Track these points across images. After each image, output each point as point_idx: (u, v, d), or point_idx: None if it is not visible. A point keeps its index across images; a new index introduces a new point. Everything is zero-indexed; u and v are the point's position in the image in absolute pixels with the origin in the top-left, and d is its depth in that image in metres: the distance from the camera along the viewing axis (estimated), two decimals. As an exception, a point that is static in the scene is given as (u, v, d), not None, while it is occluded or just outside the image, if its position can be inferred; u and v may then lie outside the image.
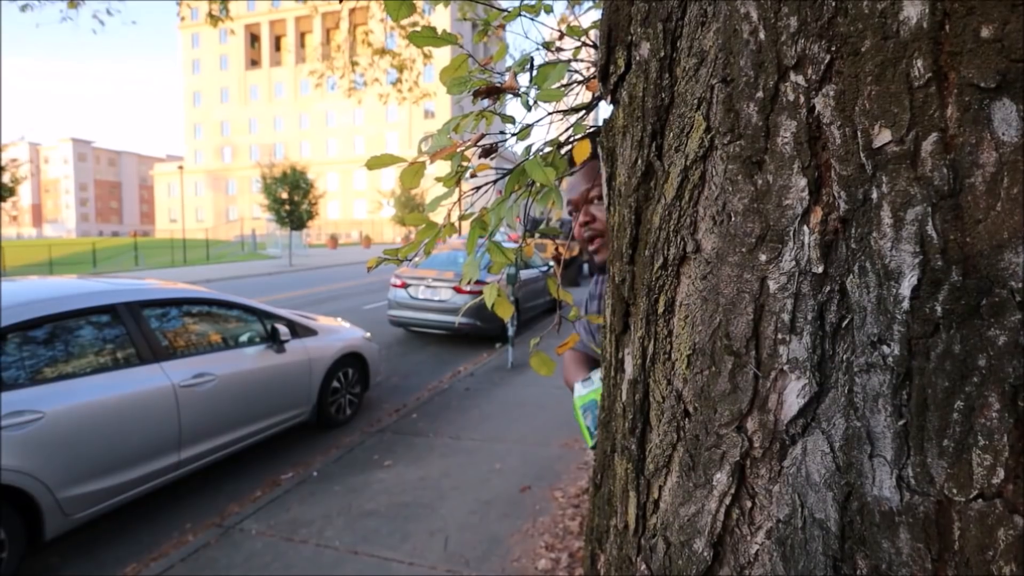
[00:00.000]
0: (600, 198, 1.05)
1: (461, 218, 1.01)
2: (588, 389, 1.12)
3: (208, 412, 3.68)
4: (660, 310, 0.57)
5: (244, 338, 4.22)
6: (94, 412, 3.08)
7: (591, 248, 1.07)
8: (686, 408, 0.54)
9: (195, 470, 3.64)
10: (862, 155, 0.41)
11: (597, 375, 1.13)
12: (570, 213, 1.11)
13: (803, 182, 0.45)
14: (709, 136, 0.52)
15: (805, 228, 0.45)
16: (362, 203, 60.76)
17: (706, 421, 0.52)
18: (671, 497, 0.56)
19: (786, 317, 0.47)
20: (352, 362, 5.19)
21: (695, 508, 0.53)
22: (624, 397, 0.63)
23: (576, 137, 1.02)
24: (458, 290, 7.89)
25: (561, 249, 1.08)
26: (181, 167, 43.89)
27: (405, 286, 8.34)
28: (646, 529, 0.59)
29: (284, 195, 22.50)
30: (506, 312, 0.94)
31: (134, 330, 3.46)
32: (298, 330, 4.63)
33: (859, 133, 0.42)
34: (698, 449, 0.52)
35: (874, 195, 0.42)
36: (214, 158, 68.98)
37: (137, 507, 3.61)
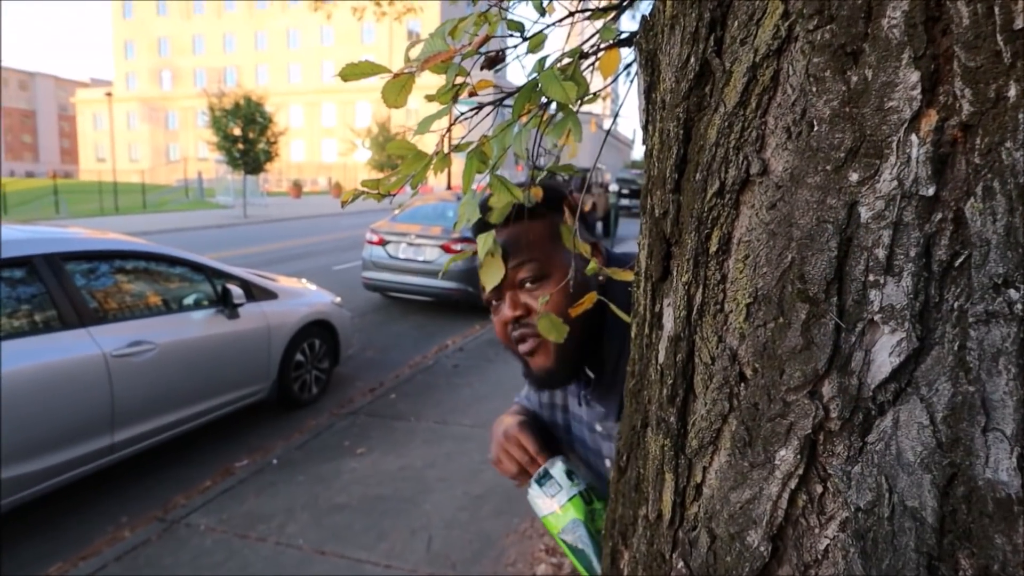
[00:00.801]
0: (533, 280, 0.97)
1: (455, 148, 0.97)
2: (557, 502, 1.04)
3: (147, 387, 3.69)
4: (713, 249, 0.54)
5: (190, 300, 4.20)
6: (7, 386, 3.07)
7: (523, 350, 1.00)
8: (742, 371, 0.52)
9: (132, 455, 3.67)
10: (999, 39, 0.38)
11: (559, 469, 1.07)
12: (487, 304, 1.03)
13: (914, 77, 0.41)
14: (788, 22, 0.48)
15: (913, 138, 0.42)
16: (331, 143, 60.13)
17: (768, 386, 0.49)
18: (719, 480, 0.54)
19: (881, 253, 0.44)
20: (319, 332, 5.22)
21: (750, 493, 0.51)
22: (661, 358, 0.61)
23: (603, 45, 0.97)
24: (447, 249, 7.86)
25: (574, 197, 1.04)
26: (109, 94, 43.18)
27: (383, 243, 8.32)
28: (685, 519, 0.57)
29: (236, 131, 22.20)
30: (501, 273, 0.91)
31: (55, 288, 3.43)
32: (255, 292, 4.62)
33: (996, 10, 0.38)
34: (757, 421, 0.50)
35: (1011, 92, 0.38)
36: (150, 84, 67.77)
37: (64, 497, 3.65)
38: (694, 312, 0.57)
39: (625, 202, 24.80)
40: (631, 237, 17.31)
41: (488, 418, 4.79)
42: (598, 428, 1.09)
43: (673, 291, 0.60)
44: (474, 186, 0.95)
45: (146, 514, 3.51)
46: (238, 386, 4.41)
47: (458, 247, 7.84)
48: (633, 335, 0.70)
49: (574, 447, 1.20)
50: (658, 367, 0.62)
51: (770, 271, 0.50)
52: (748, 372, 0.52)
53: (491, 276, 0.92)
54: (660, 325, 0.63)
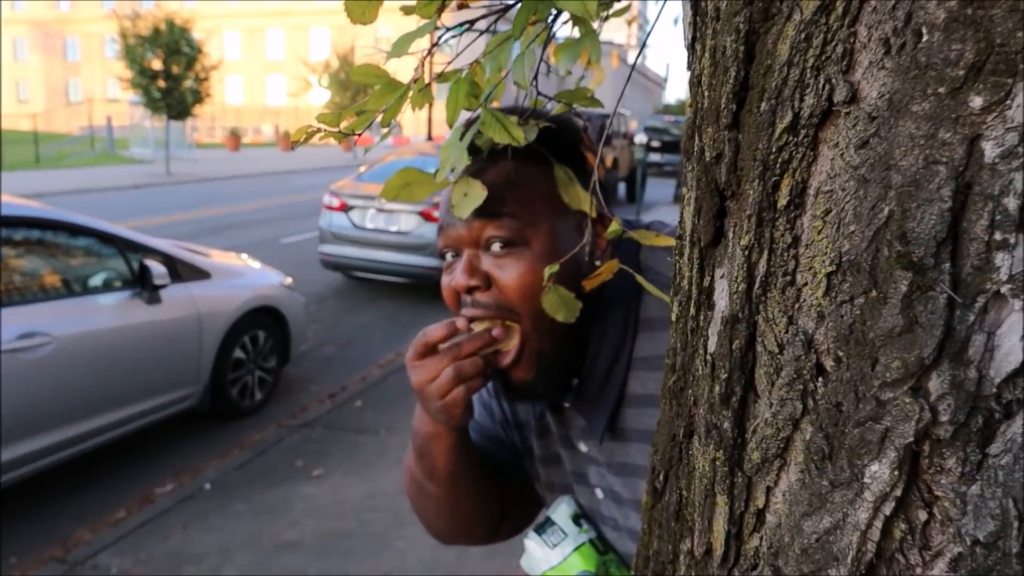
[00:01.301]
0: (505, 244, 0.92)
1: (439, 77, 0.95)
2: (560, 553, 1.03)
3: (42, 392, 3.69)
4: (782, 202, 0.53)
5: (97, 281, 4.19)
6: None
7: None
8: (820, 361, 0.51)
9: (24, 478, 3.68)
10: None
11: (563, 512, 1.07)
12: (440, 253, 0.99)
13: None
14: None
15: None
16: (279, 81, 59.84)
17: (856, 380, 0.48)
18: (789, 504, 0.53)
19: (1012, 204, 0.42)
20: (265, 321, 5.23)
21: (831, 521, 0.50)
22: (712, 346, 0.60)
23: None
24: (427, 216, 7.86)
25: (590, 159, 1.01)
26: (-6, 16, 42.76)
27: (346, 208, 8.32)
28: (742, 556, 0.57)
29: (156, 64, 22.06)
30: (479, 197, 0.88)
31: (-75, 262, 3.42)
32: (181, 271, 4.62)
33: None
34: (840, 426, 0.49)
35: None
36: (43, 2, 67.28)
37: (-61, 529, 3.66)
38: (756, 285, 0.55)
39: (655, 157, 24.78)
40: (663, 203, 17.32)
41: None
42: (582, 447, 1.08)
43: (729, 259, 0.59)
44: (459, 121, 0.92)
45: (42, 554, 3.53)
46: (160, 390, 4.42)
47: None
48: (673, 317, 0.69)
49: (549, 476, 1.18)
50: (708, 358, 0.61)
51: (859, 230, 0.48)
52: (828, 363, 0.51)
53: (465, 201, 0.88)
54: (711, 303, 0.62)
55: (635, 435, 1.00)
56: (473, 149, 0.90)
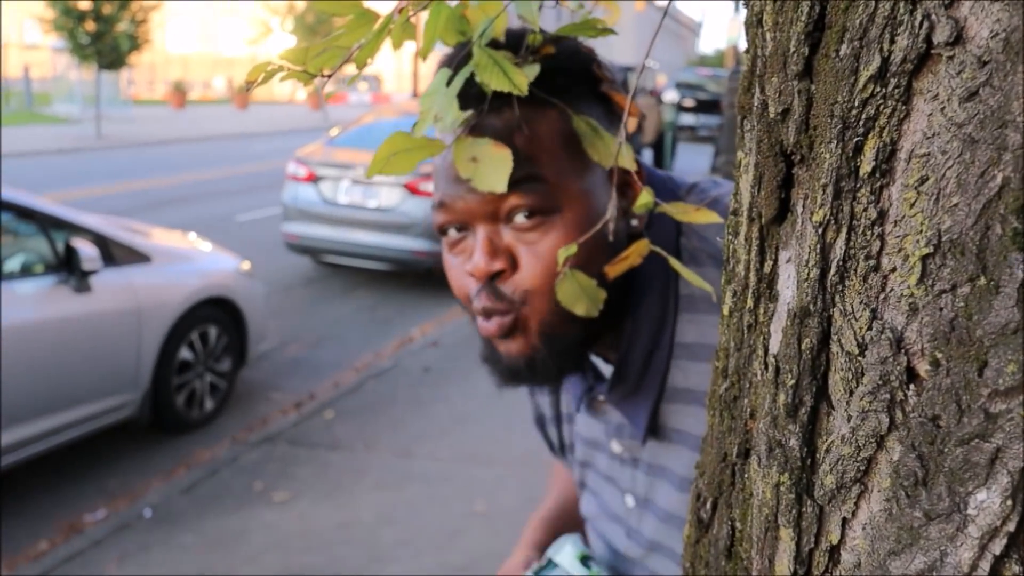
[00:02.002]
0: (532, 213, 0.90)
1: (425, 6, 0.94)
2: None
3: (-49, 396, 3.68)
4: (866, 168, 0.52)
5: (14, 265, 4.19)
6: None
7: (490, 329, 0.94)
8: (911, 364, 0.51)
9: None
10: None
11: (567, 553, 1.10)
12: (439, 228, 0.97)
13: None
14: None
15: None
16: (233, 25, 59.74)
17: (958, 388, 0.48)
18: (870, 540, 0.53)
19: None
20: (217, 315, 5.24)
21: (924, 561, 0.50)
22: (775, 346, 0.59)
23: None
24: (412, 189, 7.86)
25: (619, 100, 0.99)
26: None
27: (315, 179, 8.33)
28: (812, 602, 0.56)
29: (84, 3, 22.06)
30: (507, 164, 0.86)
31: None
32: (116, 254, 4.63)
33: None
34: (937, 444, 0.49)
35: None
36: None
37: None
38: (832, 271, 0.55)
39: (689, 119, 24.77)
40: (697, 173, 17.30)
41: (474, 448, 4.82)
42: (614, 447, 1.10)
43: (797, 239, 0.58)
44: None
45: (-49, 591, 3.54)
46: (90, 398, 4.42)
47: (430, 185, 7.82)
48: (726, 310, 0.69)
49: (585, 477, 1.23)
50: (769, 360, 0.60)
51: (964, 202, 0.47)
52: (922, 367, 0.50)
53: (485, 170, 0.82)
54: (773, 293, 0.61)
55: (675, 436, 1.01)
56: (467, 94, 0.85)
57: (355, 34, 0.91)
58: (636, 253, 0.86)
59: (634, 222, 0.96)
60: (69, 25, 21.89)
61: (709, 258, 0.97)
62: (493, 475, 4.51)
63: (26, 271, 4.22)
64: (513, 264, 0.92)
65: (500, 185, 0.79)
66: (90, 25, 21.98)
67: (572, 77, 0.93)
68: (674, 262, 0.87)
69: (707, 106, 24.92)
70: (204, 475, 4.51)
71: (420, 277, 8.62)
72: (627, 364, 1.00)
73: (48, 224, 4.34)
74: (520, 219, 0.90)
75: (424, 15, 0.92)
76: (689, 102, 24.87)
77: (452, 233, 0.96)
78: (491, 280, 0.92)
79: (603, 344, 1.02)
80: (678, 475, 1.02)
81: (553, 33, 0.91)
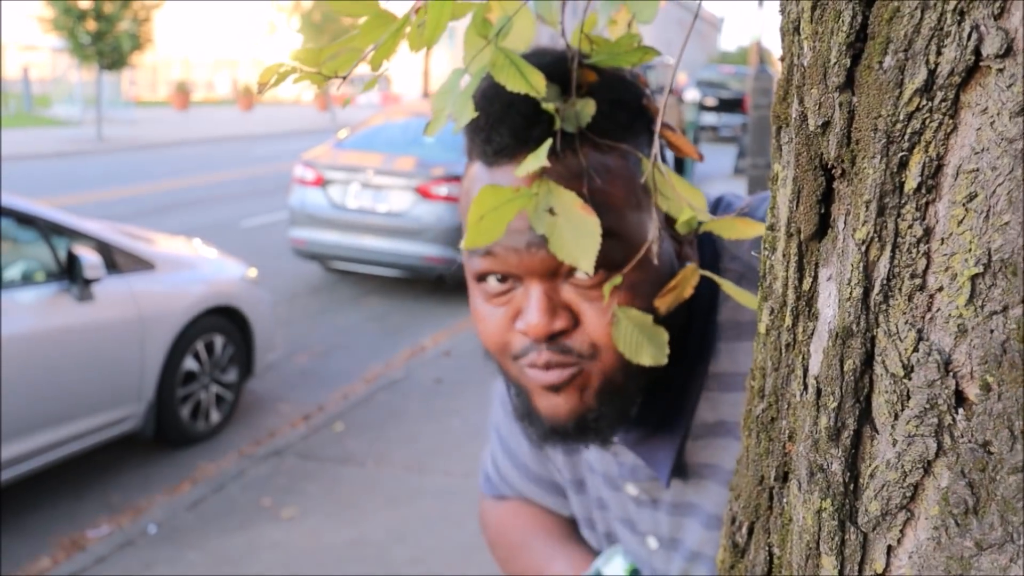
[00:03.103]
0: (597, 268, 0.80)
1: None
2: None
3: (-50, 409, 3.70)
4: (911, 183, 0.52)
5: (14, 273, 4.21)
6: None
7: (548, 380, 0.88)
8: (960, 388, 0.51)
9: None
10: None
11: (618, 563, 1.09)
12: (477, 276, 0.91)
13: None
14: None
15: None
16: (238, 24, 59.99)
17: (1010, 413, 0.48)
18: (917, 569, 0.53)
19: None
20: (223, 324, 5.26)
21: (975, 591, 0.49)
22: (816, 367, 0.59)
23: None
24: (424, 193, 7.87)
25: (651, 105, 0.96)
26: None
27: (323, 183, 8.35)
28: (856, 633, 0.56)
29: (85, 2, 22.19)
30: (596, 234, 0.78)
31: None
32: (119, 261, 4.65)
33: None
34: (988, 471, 0.49)
35: None
36: (-51, -73, 67.75)
37: None
38: (876, 290, 0.55)
39: (711, 119, 24.73)
40: (719, 176, 17.27)
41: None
42: (629, 490, 1.06)
43: (838, 256, 0.58)
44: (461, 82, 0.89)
45: (-49, 610, 3.56)
46: (93, 410, 4.44)
47: (442, 189, 7.84)
48: (762, 329, 0.69)
49: (591, 517, 1.18)
50: (810, 381, 0.60)
51: (1016, 220, 0.47)
52: (972, 390, 0.50)
53: (579, 242, 0.75)
54: (812, 312, 0.61)
55: (705, 471, 0.99)
56: (527, 136, 0.81)
57: (371, 35, 0.91)
58: (686, 282, 0.83)
59: (688, 262, 0.91)
60: (69, 24, 21.99)
61: (739, 278, 0.94)
62: (509, 490, 4.49)
63: (27, 279, 4.24)
64: (575, 322, 0.87)
65: (587, 263, 0.74)
66: (91, 24, 22.09)
67: (631, 113, 0.88)
68: (721, 280, 0.84)
69: (730, 105, 24.88)
70: (210, 490, 4.52)
71: (432, 284, 8.63)
72: (656, 402, 0.96)
73: (49, 231, 4.36)
74: (582, 275, 0.85)
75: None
76: (711, 101, 24.83)
77: (493, 282, 0.90)
78: (552, 339, 0.87)
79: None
80: (707, 512, 0.99)
81: (591, 60, 0.86)
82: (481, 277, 0.90)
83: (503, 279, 0.89)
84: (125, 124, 27.26)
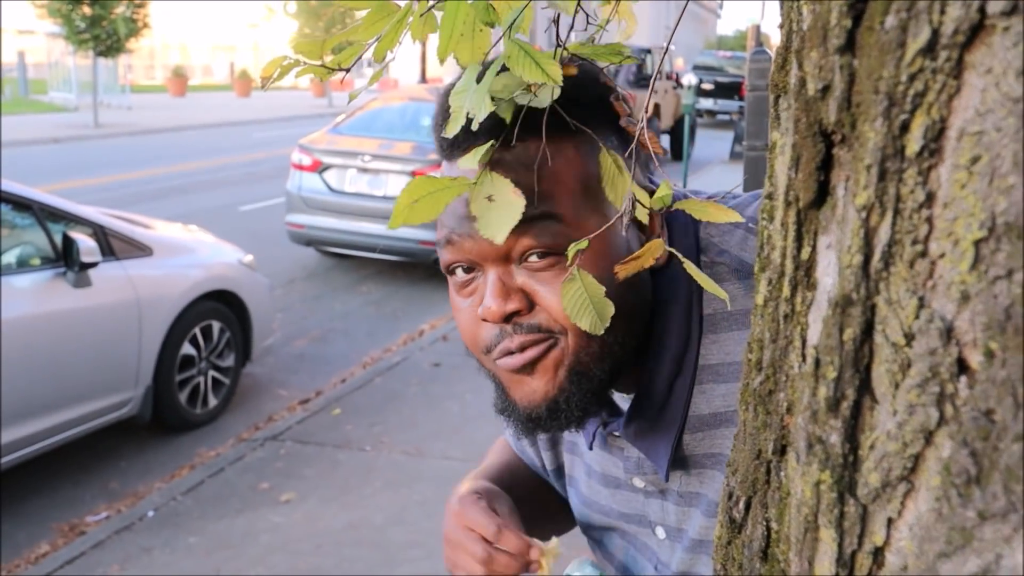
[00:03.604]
0: (545, 253, 0.89)
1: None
2: None
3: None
4: (913, 147, 0.51)
5: (11, 258, 4.20)
6: None
7: (513, 364, 0.92)
8: (963, 355, 0.50)
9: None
10: None
11: (588, 572, 1.10)
12: (446, 269, 0.97)
13: None
14: None
15: None
16: (234, 9, 59.79)
17: (1014, 380, 0.47)
18: (918, 541, 0.52)
19: None
20: (220, 310, 5.26)
21: (978, 563, 0.49)
22: (815, 337, 0.59)
23: None
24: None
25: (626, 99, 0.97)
26: None
27: (320, 168, 8.33)
28: (855, 606, 0.55)
29: (82, -12, 22.10)
30: (517, 211, 0.81)
31: None
32: (116, 246, 4.64)
33: None
34: (991, 440, 0.48)
35: None
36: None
37: None
38: (876, 257, 0.54)
39: (708, 103, 24.75)
40: (717, 160, 17.26)
41: (487, 447, 4.77)
42: (637, 483, 1.07)
43: (838, 223, 0.57)
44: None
45: (-51, 595, 3.56)
46: (90, 395, 4.44)
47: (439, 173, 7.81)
48: (760, 300, 0.68)
49: (590, 521, 1.19)
50: (809, 352, 0.59)
51: (1021, 181, 0.46)
52: (975, 358, 0.49)
53: (494, 215, 0.81)
54: (811, 281, 0.60)
55: (708, 460, 0.99)
56: (486, 124, 0.83)
57: (374, 27, 0.91)
58: (649, 254, 0.83)
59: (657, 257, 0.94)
60: (65, 9, 21.89)
61: (731, 272, 0.97)
62: (507, 474, 4.50)
63: (23, 264, 4.23)
64: (529, 304, 0.91)
65: (499, 235, 0.79)
66: (86, 9, 21.99)
67: (591, 108, 0.91)
68: (690, 265, 0.83)
69: (727, 89, 24.89)
70: (208, 475, 4.52)
71: (429, 269, 8.62)
72: (649, 396, 0.98)
73: (45, 216, 4.35)
74: (534, 259, 0.90)
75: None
76: (708, 85, 24.84)
77: (460, 274, 0.95)
78: (507, 320, 0.91)
79: (624, 376, 0.99)
80: (709, 499, 1.00)
81: (575, 52, 0.90)
82: (450, 270, 0.96)
83: (468, 269, 0.94)
84: (121, 110, 27.20)
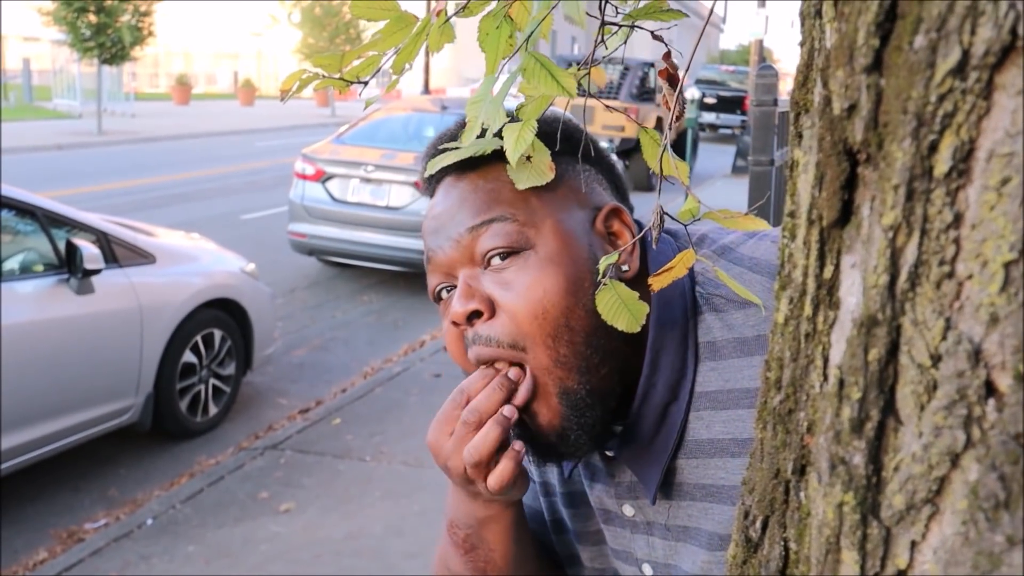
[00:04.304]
0: (506, 254, 0.95)
1: (463, 10, 0.94)
2: None
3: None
4: (941, 167, 0.51)
5: (13, 264, 4.20)
6: None
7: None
8: (991, 378, 0.49)
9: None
10: None
11: None
12: (433, 295, 1.03)
13: None
14: None
15: None
16: (238, 17, 59.97)
17: (1044, 405, 0.46)
18: (943, 564, 0.51)
19: None
20: (221, 318, 5.26)
21: (1005, 589, 0.48)
22: (838, 356, 0.58)
23: None
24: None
25: (667, 101, 0.98)
26: None
27: (323, 177, 8.34)
28: (878, 631, 0.55)
29: (87, -5, 22.14)
30: (545, 170, 0.93)
31: None
32: (118, 253, 4.64)
33: None
34: (1021, 464, 0.48)
35: None
36: (-49, -81, 67.64)
37: None
38: (902, 278, 0.53)
39: (710, 118, 24.80)
40: (719, 175, 17.26)
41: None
42: (626, 511, 1.06)
43: (863, 243, 0.57)
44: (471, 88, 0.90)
45: (-54, 601, 3.55)
46: (91, 402, 4.43)
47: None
48: (781, 318, 0.68)
49: (587, 553, 1.17)
50: (831, 372, 0.59)
51: (1052, 203, 0.46)
52: (1004, 381, 0.48)
53: (529, 174, 0.92)
54: (834, 301, 0.60)
55: (698, 492, 0.98)
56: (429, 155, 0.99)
57: (392, 38, 0.91)
58: (682, 264, 0.85)
59: (624, 268, 0.98)
60: (70, 17, 21.92)
61: (729, 303, 0.97)
62: (507, 486, 4.49)
63: (26, 270, 4.23)
64: (492, 308, 0.94)
65: (520, 183, 0.93)
66: (92, 17, 22.03)
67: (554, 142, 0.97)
68: (719, 270, 0.86)
69: (729, 103, 24.95)
70: (207, 483, 4.51)
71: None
72: (642, 418, 0.98)
73: (49, 222, 4.35)
74: (496, 261, 0.95)
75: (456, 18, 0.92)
76: (711, 99, 24.90)
77: (445, 296, 1.01)
78: (470, 322, 0.95)
79: (617, 400, 0.99)
80: (708, 532, 0.98)
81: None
82: (437, 296, 1.02)
83: (449, 289, 1.00)
84: (125, 117, 27.22)
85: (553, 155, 0.94)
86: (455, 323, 0.96)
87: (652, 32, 0.93)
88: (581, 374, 0.92)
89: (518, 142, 0.87)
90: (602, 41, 0.88)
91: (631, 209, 1.07)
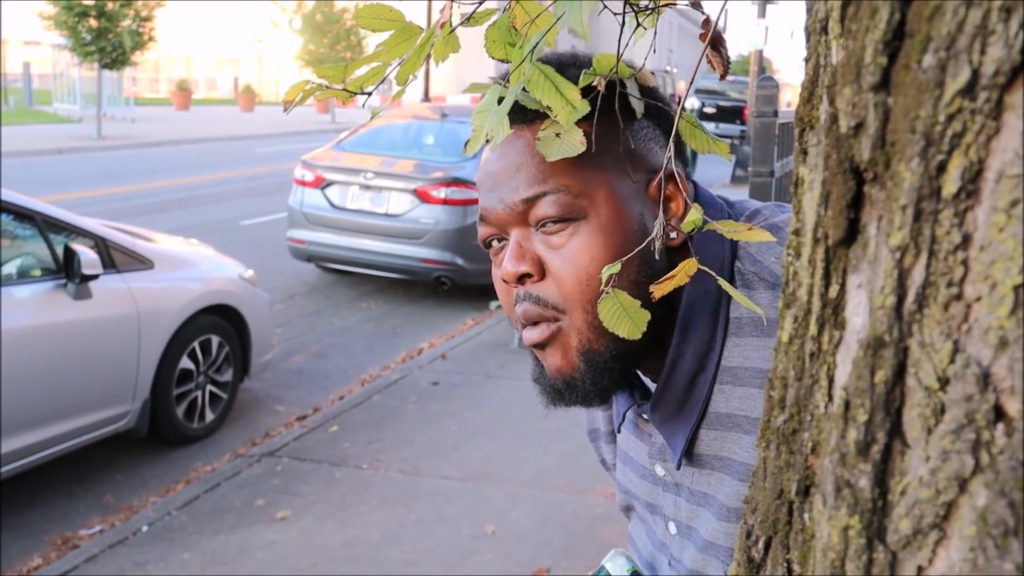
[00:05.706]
0: (559, 220, 0.97)
1: (469, 19, 0.94)
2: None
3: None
4: (950, 188, 0.50)
5: (11, 269, 4.19)
6: None
7: (529, 339, 1.01)
8: (999, 402, 0.49)
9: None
10: None
11: (621, 563, 1.15)
12: (483, 241, 1.06)
13: None
14: None
15: None
16: (239, 23, 60.04)
17: (1054, 430, 0.45)
18: None
19: None
20: (219, 324, 5.25)
21: (1014, 617, 0.47)
22: (844, 378, 0.57)
23: None
24: (423, 196, 7.86)
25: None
26: None
27: (322, 184, 8.34)
28: (883, 657, 0.54)
29: (87, 0, 22.17)
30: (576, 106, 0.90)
31: None
32: (117, 258, 4.64)
33: None
34: (1030, 491, 0.46)
35: None
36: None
37: None
38: (910, 299, 0.53)
39: (709, 127, 24.75)
40: (718, 183, 17.27)
41: (485, 467, 4.80)
42: (658, 471, 1.12)
43: (870, 263, 0.56)
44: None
45: (-60, 607, 3.53)
46: (87, 408, 4.42)
47: (441, 192, 7.83)
48: (785, 337, 0.67)
49: (630, 501, 1.25)
50: (836, 393, 0.58)
51: (1062, 227, 0.45)
52: (1013, 405, 0.48)
53: (560, 148, 0.90)
54: (840, 320, 0.59)
55: (716, 463, 1.03)
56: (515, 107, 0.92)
57: (397, 49, 0.91)
58: (683, 272, 0.86)
59: (672, 235, 0.99)
60: (71, 21, 21.94)
61: (761, 282, 1.00)
62: (504, 494, 4.49)
63: (24, 275, 4.22)
64: (542, 271, 0.98)
65: (550, 156, 0.90)
66: (92, 22, 22.06)
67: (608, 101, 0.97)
68: (722, 282, 0.87)
69: (728, 113, 25.00)
70: (204, 490, 4.50)
71: (429, 287, 8.61)
72: (670, 385, 1.02)
73: (47, 227, 4.34)
74: (549, 226, 0.98)
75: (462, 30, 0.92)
76: (710, 109, 24.95)
77: (495, 245, 1.04)
78: (520, 282, 0.99)
79: (651, 362, 1.04)
80: (720, 503, 1.03)
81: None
82: (487, 244, 1.05)
83: (500, 240, 1.03)
84: (125, 122, 27.26)
85: (612, 111, 0.94)
86: (505, 281, 1.00)
87: (690, 1, 0.95)
88: (613, 340, 0.94)
89: (569, 116, 0.88)
90: (637, 26, 0.90)
91: (687, 161, 1.11)
